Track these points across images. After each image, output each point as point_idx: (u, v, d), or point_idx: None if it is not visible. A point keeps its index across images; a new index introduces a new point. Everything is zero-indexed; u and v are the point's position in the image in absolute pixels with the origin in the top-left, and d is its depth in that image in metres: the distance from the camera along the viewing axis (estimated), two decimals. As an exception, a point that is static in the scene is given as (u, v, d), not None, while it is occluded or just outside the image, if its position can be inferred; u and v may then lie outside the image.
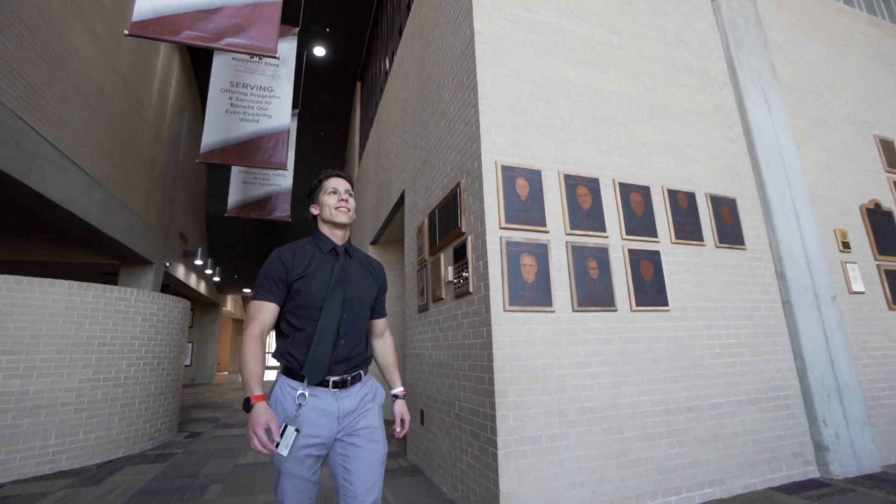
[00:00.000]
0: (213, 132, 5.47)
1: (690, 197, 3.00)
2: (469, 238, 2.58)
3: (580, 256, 2.51)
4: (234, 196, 7.34)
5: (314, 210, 1.44)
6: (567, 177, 2.64)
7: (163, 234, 8.76)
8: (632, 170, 2.90)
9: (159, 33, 3.23)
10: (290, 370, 1.26)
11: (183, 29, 3.30)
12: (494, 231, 2.37)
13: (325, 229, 1.41)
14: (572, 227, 2.55)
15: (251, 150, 5.58)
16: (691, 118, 3.26)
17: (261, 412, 1.10)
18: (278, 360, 1.30)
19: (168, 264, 9.15)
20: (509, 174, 2.48)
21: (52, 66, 4.40)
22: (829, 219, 3.59)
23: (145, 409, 4.12)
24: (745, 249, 3.10)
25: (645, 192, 2.85)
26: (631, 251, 2.67)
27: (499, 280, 2.30)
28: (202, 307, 17.04)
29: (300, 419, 1.20)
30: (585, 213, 2.62)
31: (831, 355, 3.03)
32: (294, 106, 9.21)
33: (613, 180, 2.79)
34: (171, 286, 10.51)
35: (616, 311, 2.53)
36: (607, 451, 2.28)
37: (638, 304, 2.59)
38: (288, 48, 6.14)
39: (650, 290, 2.65)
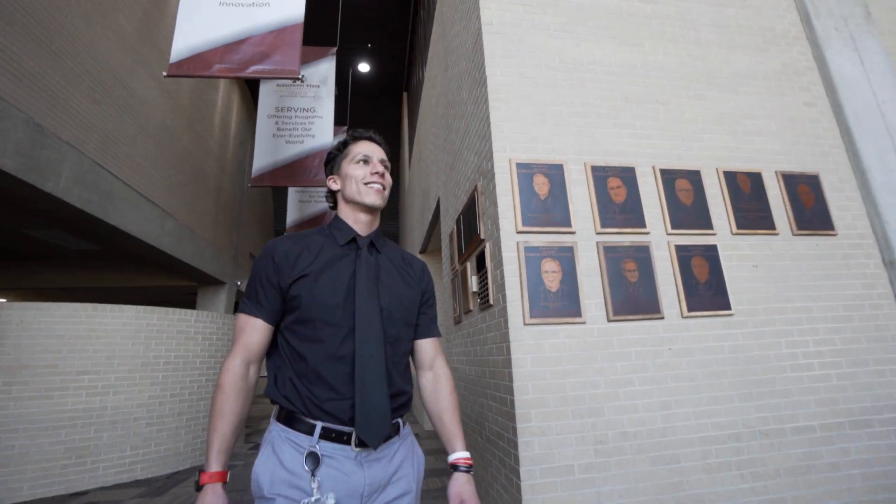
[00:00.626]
0: (263, 156, 5.84)
1: (755, 178, 2.55)
2: (487, 245, 2.41)
3: (615, 258, 2.23)
4: (292, 215, 7.78)
5: (333, 184, 1.07)
6: (595, 168, 2.37)
7: (232, 255, 9.59)
8: (676, 153, 2.53)
9: (193, 70, 3.50)
10: (292, 416, 0.88)
11: (213, 64, 3.54)
12: (510, 236, 2.19)
13: (345, 212, 1.04)
14: (604, 225, 2.28)
15: (297, 171, 5.86)
16: (751, 85, 2.79)
17: (210, 500, 0.77)
18: (276, 402, 0.92)
19: (239, 283, 9.98)
20: (525, 172, 2.28)
21: (122, 113, 5.00)
22: (960, 188, 2.85)
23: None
24: (834, 235, 2.57)
25: (694, 177, 2.47)
26: (679, 247, 2.32)
27: (517, 290, 2.11)
28: (277, 320, 18.43)
29: (323, 490, 0.81)
30: (619, 207, 2.33)
31: (973, 364, 2.38)
32: (342, 123, 9.64)
33: (654, 167, 2.45)
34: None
35: (662, 318, 2.20)
36: (659, 483, 1.97)
37: (690, 310, 2.23)
38: (327, 68, 6.39)
39: (705, 291, 2.28)
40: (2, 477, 3.20)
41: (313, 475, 0.80)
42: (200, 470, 0.81)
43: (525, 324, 2.07)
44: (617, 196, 2.34)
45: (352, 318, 0.91)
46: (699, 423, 2.09)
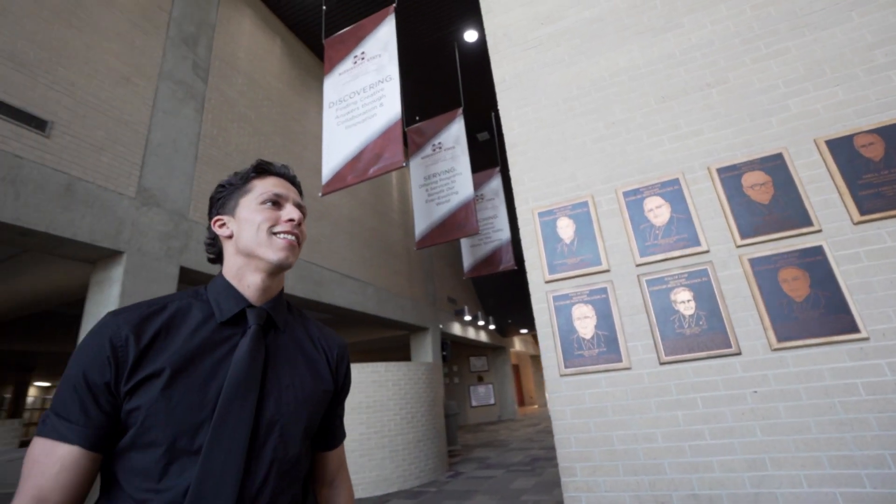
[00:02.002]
0: (421, 221, 7.10)
1: (890, 133, 1.83)
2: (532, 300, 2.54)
3: (661, 290, 2.03)
4: (467, 259, 8.89)
5: (220, 228, 0.78)
6: (628, 193, 2.22)
7: (430, 302, 11.44)
8: (743, 140, 2.09)
9: (336, 186, 4.85)
10: None
11: (347, 176, 4.82)
12: (539, 288, 2.29)
13: (235, 269, 0.76)
14: (643, 255, 2.10)
15: (449, 227, 6.86)
16: (855, 9, 2.02)
17: None
18: None
19: (442, 326, 11.75)
20: (547, 219, 2.36)
21: (319, 221, 7.09)
22: None
23: (407, 453, 5.57)
24: None
25: (774, 163, 1.98)
26: (756, 261, 1.90)
27: (550, 341, 2.19)
28: (493, 351, 20.16)
29: None
30: (662, 230, 2.10)
31: None
32: (497, 164, 10.44)
33: (709, 168, 2.10)
34: (447, 344, 13.28)
35: (739, 354, 1.84)
36: (753, 566, 1.64)
37: (782, 339, 1.78)
38: (457, 129, 7.33)
39: (807, 312, 1.77)
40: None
41: None
42: None
43: (560, 375, 2.12)
44: (658, 218, 2.13)
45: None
46: (822, 491, 1.63)
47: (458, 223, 6.79)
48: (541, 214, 2.38)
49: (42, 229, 3.34)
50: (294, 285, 6.04)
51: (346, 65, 5.38)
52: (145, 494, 0.59)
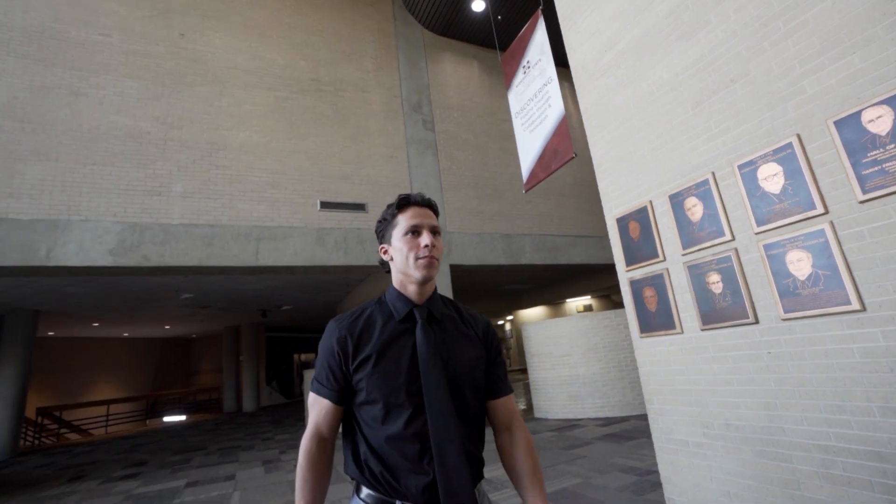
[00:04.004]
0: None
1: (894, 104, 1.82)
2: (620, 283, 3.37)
3: (698, 274, 2.65)
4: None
5: (384, 255, 1.10)
6: (672, 196, 2.82)
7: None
8: (763, 131, 2.34)
9: (532, 183, 6.22)
10: (370, 495, 0.96)
11: (538, 174, 6.10)
12: (623, 276, 3.20)
13: (399, 281, 1.08)
14: (685, 247, 2.72)
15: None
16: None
17: None
18: (354, 479, 1.00)
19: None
20: (622, 223, 3.19)
21: (548, 196, 8.52)
22: None
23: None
24: None
25: (784, 153, 2.22)
26: (769, 246, 2.29)
27: (633, 315, 3.11)
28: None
29: None
30: (697, 225, 2.65)
31: None
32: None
33: (733, 166, 2.47)
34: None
35: (757, 323, 2.35)
36: (766, 475, 2.31)
37: (788, 311, 2.20)
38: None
39: (808, 288, 2.11)
40: (539, 402, 7.00)
41: None
42: None
43: (640, 337, 3.05)
44: (694, 215, 2.67)
45: (416, 396, 0.96)
46: (817, 430, 2.13)
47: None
48: (618, 220, 3.22)
49: (367, 263, 6.45)
50: (532, 255, 7.89)
51: (519, 76, 6.55)
52: (373, 432, 0.97)
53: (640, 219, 3.04)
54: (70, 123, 5.42)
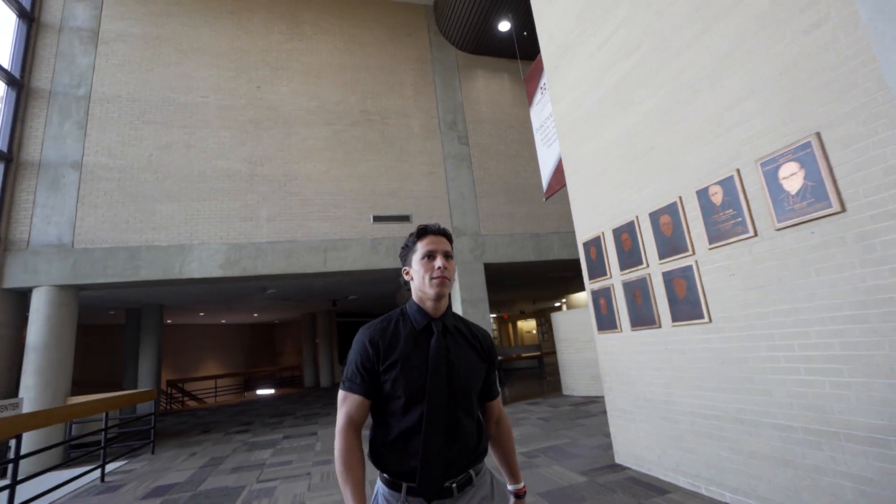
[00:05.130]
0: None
1: (726, 183, 2.74)
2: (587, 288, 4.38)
3: (629, 290, 3.65)
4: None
5: (406, 276, 1.33)
6: (615, 230, 3.81)
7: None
8: (662, 192, 3.28)
9: (550, 192, 7.15)
10: (386, 478, 1.20)
11: (554, 185, 7.00)
12: (588, 286, 4.23)
13: (418, 297, 1.29)
14: (622, 269, 3.73)
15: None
16: (734, 57, 2.71)
17: None
18: (374, 464, 1.21)
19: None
20: (587, 247, 4.21)
21: (574, 194, 9.34)
22: None
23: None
24: (841, 213, 2.18)
25: (672, 209, 3.17)
26: (665, 273, 3.26)
27: (593, 316, 4.16)
28: None
29: None
30: (628, 254, 3.64)
31: None
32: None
33: (645, 214, 3.43)
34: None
35: (660, 327, 3.34)
36: (665, 433, 3.34)
37: (675, 320, 3.18)
38: None
39: (685, 305, 3.09)
40: (566, 381, 8.00)
41: None
42: None
43: (597, 333, 4.09)
44: (626, 246, 3.66)
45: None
46: (691, 402, 3.13)
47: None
48: (584, 244, 4.23)
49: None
50: (560, 251, 8.83)
51: (538, 96, 7.44)
52: (396, 421, 1.18)
53: (596, 245, 4.05)
54: (185, 170, 7.30)
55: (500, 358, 14.52)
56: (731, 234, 2.75)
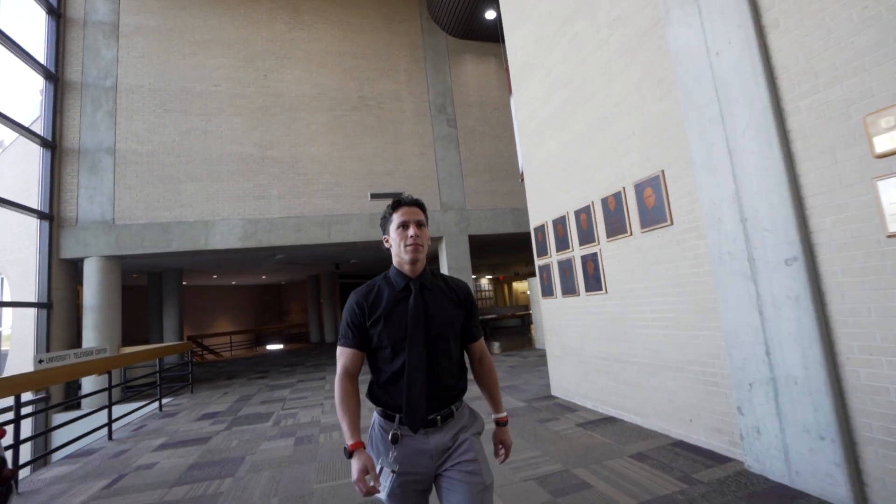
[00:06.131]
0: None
1: (617, 196, 3.87)
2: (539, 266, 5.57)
3: (561, 267, 4.86)
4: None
5: (386, 244, 1.50)
6: (554, 221, 4.96)
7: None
8: (582, 196, 4.41)
9: (524, 176, 8.21)
10: (381, 411, 1.41)
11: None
12: (536, 262, 5.43)
13: (397, 262, 1.46)
14: (557, 251, 4.91)
15: None
16: (622, 106, 3.77)
17: (358, 460, 1.26)
18: (371, 401, 1.43)
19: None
20: (537, 231, 5.37)
21: (553, 172, 10.36)
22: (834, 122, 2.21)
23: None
24: (671, 226, 3.33)
25: (587, 210, 4.31)
26: (582, 257, 4.45)
27: (537, 285, 5.38)
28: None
29: (396, 459, 1.32)
30: (560, 239, 4.82)
31: (767, 338, 2.64)
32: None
33: (572, 211, 4.58)
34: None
35: (579, 296, 4.57)
36: (580, 372, 4.64)
37: (587, 291, 4.40)
38: None
39: (592, 280, 4.30)
40: (538, 337, 9.39)
41: (394, 448, 1.34)
42: (345, 446, 1.31)
43: (541, 298, 5.33)
44: (559, 234, 4.83)
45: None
46: (594, 349, 4.41)
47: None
48: (535, 229, 5.39)
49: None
50: (537, 225, 9.97)
51: (515, 86, 8.31)
52: (385, 366, 1.40)
53: (542, 231, 5.22)
54: (205, 154, 8.35)
55: (493, 316, 16.08)
56: (618, 232, 3.91)
